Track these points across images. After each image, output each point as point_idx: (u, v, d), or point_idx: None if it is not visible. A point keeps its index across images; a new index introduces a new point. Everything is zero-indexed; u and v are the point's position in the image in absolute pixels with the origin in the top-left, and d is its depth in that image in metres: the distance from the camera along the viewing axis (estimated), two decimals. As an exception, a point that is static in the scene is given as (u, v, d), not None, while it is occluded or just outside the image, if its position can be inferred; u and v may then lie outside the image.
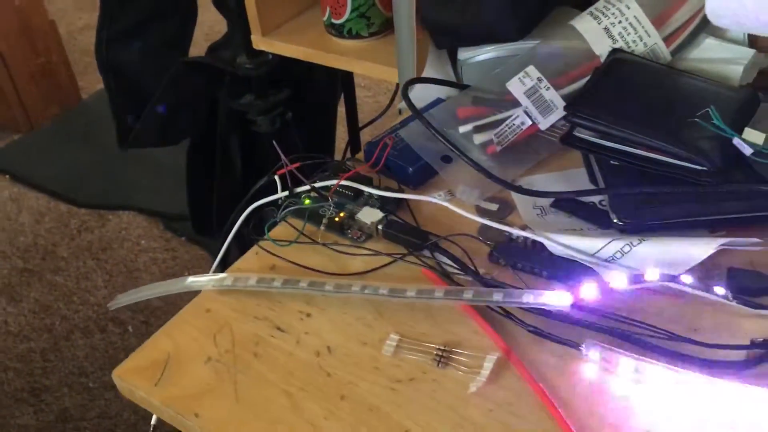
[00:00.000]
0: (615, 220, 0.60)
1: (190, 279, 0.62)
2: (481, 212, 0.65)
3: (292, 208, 0.66)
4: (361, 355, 0.55)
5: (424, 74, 0.79)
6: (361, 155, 0.74)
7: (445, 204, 0.64)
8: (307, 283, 0.59)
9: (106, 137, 1.24)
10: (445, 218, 0.64)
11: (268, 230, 0.64)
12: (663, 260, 0.57)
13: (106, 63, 1.13)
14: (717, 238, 0.58)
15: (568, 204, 0.65)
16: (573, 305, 0.53)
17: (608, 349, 0.51)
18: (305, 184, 0.67)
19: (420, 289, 0.57)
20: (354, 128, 1.25)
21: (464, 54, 0.78)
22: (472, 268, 0.58)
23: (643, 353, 0.52)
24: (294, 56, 0.92)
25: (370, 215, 0.64)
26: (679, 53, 0.71)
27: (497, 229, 0.62)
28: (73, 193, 1.99)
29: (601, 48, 0.70)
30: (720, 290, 0.53)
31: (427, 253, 0.61)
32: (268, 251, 0.64)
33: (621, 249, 0.58)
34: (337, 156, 1.33)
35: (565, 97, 0.68)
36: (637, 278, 0.53)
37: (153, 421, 0.58)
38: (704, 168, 0.59)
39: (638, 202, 0.61)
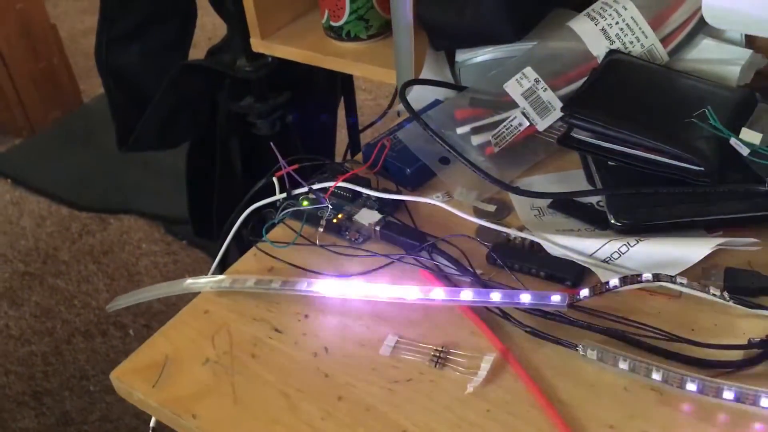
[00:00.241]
0: (612, 221, 0.61)
1: (189, 281, 0.62)
2: (479, 213, 0.66)
3: (290, 209, 0.66)
4: (359, 356, 0.55)
5: (422, 76, 0.80)
6: (359, 157, 0.74)
7: (443, 205, 0.64)
8: (305, 285, 0.59)
9: (108, 141, 1.24)
10: (443, 219, 0.64)
11: (266, 232, 0.64)
12: (660, 260, 0.57)
13: (106, 65, 1.13)
14: (714, 239, 0.58)
15: (565, 205, 0.65)
16: (570, 306, 0.53)
17: (605, 350, 0.51)
18: (303, 186, 0.67)
19: (418, 290, 0.57)
20: (354, 131, 1.25)
21: (462, 55, 0.78)
22: (470, 269, 0.59)
23: (641, 353, 0.52)
24: (293, 59, 0.92)
25: (368, 217, 0.65)
26: (677, 54, 0.71)
27: (495, 230, 0.62)
28: (74, 196, 1.99)
29: (599, 49, 0.70)
30: (717, 290, 0.53)
31: (425, 254, 0.61)
32: (266, 253, 0.64)
33: (618, 249, 0.58)
34: (338, 159, 1.33)
35: (562, 99, 0.69)
36: (634, 279, 0.53)
37: (152, 424, 0.58)
38: (701, 168, 0.59)
39: (635, 203, 0.61)
